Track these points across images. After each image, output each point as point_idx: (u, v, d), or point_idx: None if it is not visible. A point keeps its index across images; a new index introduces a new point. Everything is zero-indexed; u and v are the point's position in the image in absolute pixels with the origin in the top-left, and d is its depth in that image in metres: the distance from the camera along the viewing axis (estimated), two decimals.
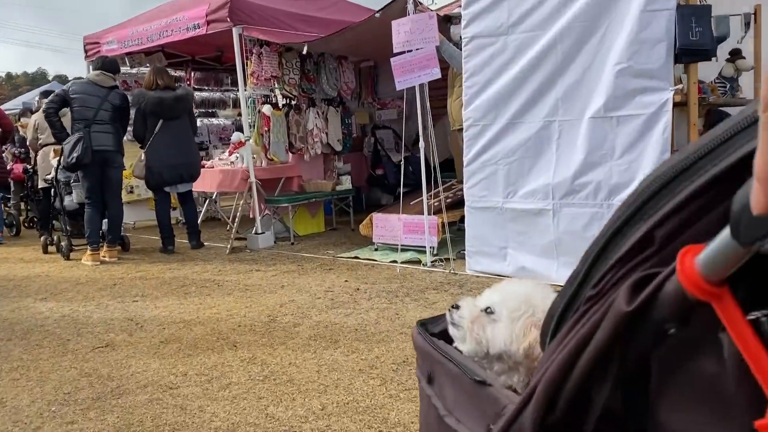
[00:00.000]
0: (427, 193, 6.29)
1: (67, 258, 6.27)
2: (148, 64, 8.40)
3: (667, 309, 0.48)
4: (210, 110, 9.44)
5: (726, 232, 0.43)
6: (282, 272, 5.22)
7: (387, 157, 8.29)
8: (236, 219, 6.48)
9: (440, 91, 6.39)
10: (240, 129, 9.38)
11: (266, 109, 6.36)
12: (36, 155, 8.16)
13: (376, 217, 5.84)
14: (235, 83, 9.49)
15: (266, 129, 6.34)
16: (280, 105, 6.63)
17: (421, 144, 4.98)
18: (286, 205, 6.46)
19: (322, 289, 4.55)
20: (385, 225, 5.76)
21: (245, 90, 6.31)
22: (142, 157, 6.24)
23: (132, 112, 6.31)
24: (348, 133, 7.48)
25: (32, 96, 16.89)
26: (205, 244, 6.72)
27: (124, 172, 6.32)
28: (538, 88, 4.29)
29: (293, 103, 6.75)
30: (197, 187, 6.81)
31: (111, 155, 6.05)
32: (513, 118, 4.42)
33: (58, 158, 6.21)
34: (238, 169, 6.45)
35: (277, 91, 6.46)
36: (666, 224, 0.50)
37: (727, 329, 0.45)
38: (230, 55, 9.26)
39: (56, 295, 4.80)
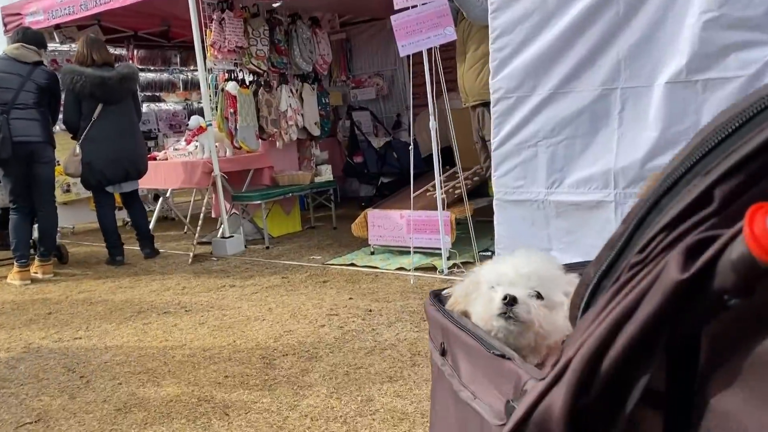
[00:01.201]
0: (427, 184, 5.39)
1: None
2: None
3: (728, 277, 0.42)
4: (156, 94, 8.22)
5: None
6: (264, 287, 4.20)
7: (366, 142, 7.30)
8: (199, 220, 5.40)
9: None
10: (195, 113, 8.25)
11: (231, 87, 5.27)
12: None
13: (373, 214, 4.87)
14: (185, 62, 8.32)
15: (232, 111, 5.26)
16: (247, 82, 5.53)
17: (433, 124, 4.03)
18: (258, 202, 5.41)
19: (323, 311, 3.57)
20: (384, 223, 4.81)
21: (204, 65, 5.20)
22: (77, 151, 5.07)
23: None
24: (326, 114, 6.45)
25: None
26: (161, 251, 5.61)
27: (56, 168, 5.14)
28: (593, 48, 3.39)
29: (262, 80, 5.67)
30: (147, 183, 5.69)
31: (38, 148, 4.86)
32: (558, 87, 3.52)
33: None
34: (198, 161, 5.35)
35: (250, 65, 5.36)
36: (729, 180, 0.44)
37: None
38: (179, 30, 8.08)
39: None
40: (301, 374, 2.68)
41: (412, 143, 4.74)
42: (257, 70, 5.52)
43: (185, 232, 6.67)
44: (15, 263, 4.84)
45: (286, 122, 5.73)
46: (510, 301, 0.97)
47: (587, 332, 0.51)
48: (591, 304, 0.56)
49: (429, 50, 4.05)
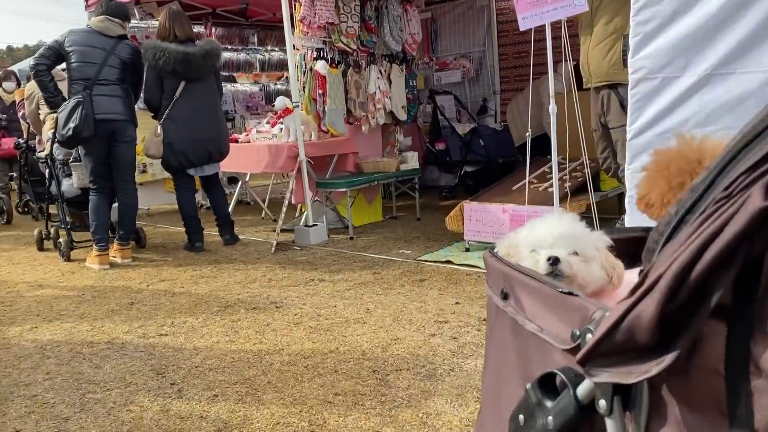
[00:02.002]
0: (522, 175, 4.91)
1: (67, 259, 4.90)
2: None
3: None
4: (233, 74, 7.98)
5: None
6: (356, 284, 3.85)
7: (450, 128, 6.86)
8: (282, 207, 5.09)
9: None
10: (272, 95, 7.98)
11: (321, 66, 4.92)
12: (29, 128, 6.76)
13: (470, 207, 4.44)
14: (262, 42, 8.05)
15: (320, 92, 4.91)
16: (336, 62, 5.16)
17: (553, 108, 3.56)
18: (344, 190, 5.06)
19: (429, 317, 3.18)
20: (483, 218, 4.37)
21: (293, 42, 4.86)
22: (159, 131, 4.82)
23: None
24: (414, 98, 6.02)
25: (26, 64, 15.43)
26: (240, 237, 5.34)
27: (137, 147, 4.91)
28: (764, 21, 2.85)
29: (351, 60, 5.29)
30: (228, 167, 5.43)
31: (120, 126, 4.64)
32: (717, 67, 2.99)
33: (53, 130, 4.81)
34: (283, 145, 5.04)
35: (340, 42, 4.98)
36: None
37: None
38: (258, 9, 7.82)
39: (51, 322, 3.44)
40: (423, 397, 2.30)
41: (554, 129, 4.24)
42: (346, 48, 5.14)
43: (263, 218, 6.41)
44: (94, 246, 4.65)
45: (374, 105, 5.35)
46: (554, 261, 1.13)
47: (677, 253, 0.62)
48: (671, 237, 0.69)
49: (553, 24, 3.57)
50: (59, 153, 4.97)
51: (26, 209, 7.49)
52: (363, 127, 5.42)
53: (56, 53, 4.60)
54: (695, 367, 0.66)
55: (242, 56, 7.84)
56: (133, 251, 4.92)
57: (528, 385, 0.89)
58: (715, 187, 0.63)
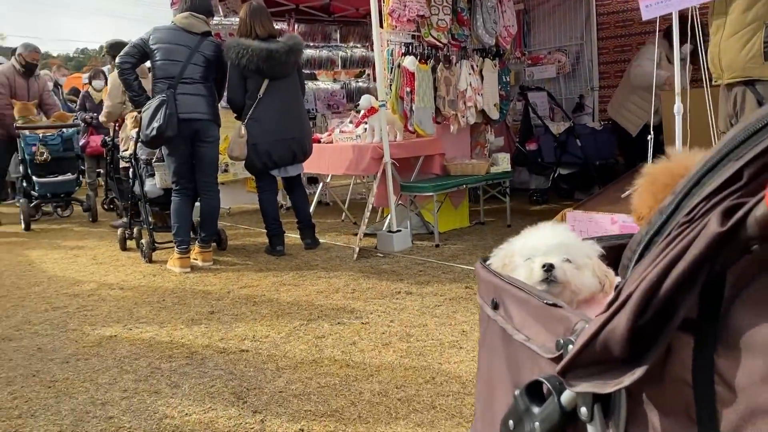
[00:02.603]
0: (626, 179, 4.43)
1: (149, 260, 4.83)
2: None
3: (754, 230, 0.60)
4: (314, 71, 7.82)
5: None
6: (447, 299, 3.54)
7: (543, 127, 6.42)
8: (365, 211, 4.84)
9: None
10: (354, 93, 7.77)
11: (409, 62, 4.62)
12: (116, 125, 6.83)
13: (573, 215, 4.03)
14: (345, 38, 7.85)
15: (408, 90, 4.62)
16: (425, 57, 4.85)
17: (677, 108, 3.12)
18: (430, 194, 4.75)
19: None
20: (588, 228, 3.96)
21: (381, 36, 4.59)
22: (242, 132, 4.66)
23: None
24: (506, 95, 5.64)
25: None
26: (321, 241, 5.13)
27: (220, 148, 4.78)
28: None
29: (441, 54, 4.97)
30: (309, 168, 5.23)
31: (204, 126, 4.52)
32: None
33: (136, 129, 4.75)
34: (368, 145, 4.78)
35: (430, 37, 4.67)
36: (754, 164, 0.61)
37: None
38: (341, 4, 7.62)
39: (130, 330, 3.31)
40: None
41: (679, 127, 3.80)
42: (437, 43, 4.83)
43: (342, 220, 6.19)
44: (175, 248, 4.55)
45: (464, 103, 5.01)
46: (549, 268, 1.19)
47: (645, 273, 0.68)
48: (643, 255, 0.75)
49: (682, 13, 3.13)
50: (142, 153, 4.91)
51: (111, 206, 7.60)
52: (451, 127, 5.10)
53: (141, 51, 4.52)
54: (667, 377, 0.71)
55: (324, 53, 7.66)
56: (213, 253, 4.79)
57: (516, 392, 0.93)
58: (680, 210, 0.70)
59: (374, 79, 8.08)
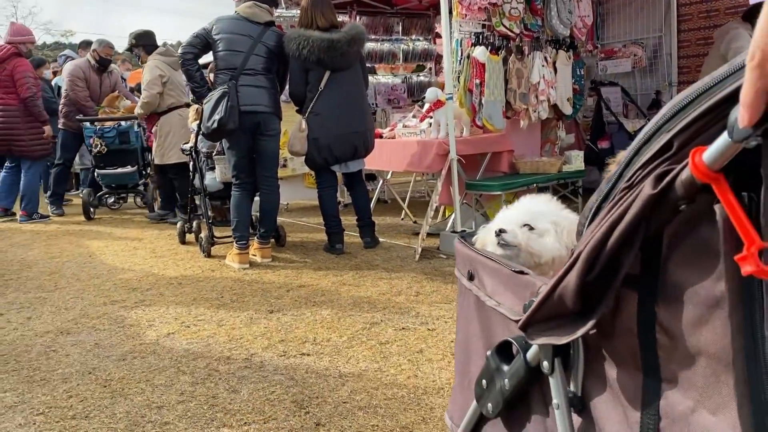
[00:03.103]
0: None
1: (208, 255, 4.75)
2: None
3: (681, 191, 0.69)
4: (375, 65, 7.64)
5: (724, 135, 0.64)
6: None
7: (617, 124, 6.06)
8: (428, 210, 4.63)
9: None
10: (415, 87, 7.55)
11: (479, 53, 4.38)
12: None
13: None
14: (407, 31, 7.64)
15: (478, 82, 4.37)
16: (497, 47, 4.58)
17: None
18: (498, 193, 4.50)
19: None
20: None
21: (450, 26, 4.35)
22: (303, 126, 4.52)
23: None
24: (580, 89, 5.32)
25: None
26: (380, 240, 4.95)
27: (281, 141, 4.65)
28: None
29: (513, 45, 4.70)
30: (370, 164, 5.04)
31: (265, 119, 4.39)
32: None
33: (198, 122, 4.67)
34: (432, 141, 4.56)
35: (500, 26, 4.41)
36: (682, 134, 0.71)
37: (721, 201, 0.66)
38: None
39: (188, 328, 3.20)
40: None
41: None
42: (509, 33, 4.56)
43: (402, 219, 5.99)
44: (234, 244, 4.44)
45: (537, 97, 4.72)
46: (499, 232, 1.28)
47: (591, 234, 0.76)
48: (594, 218, 0.82)
49: None
50: (203, 145, 4.83)
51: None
52: (521, 122, 4.82)
53: (204, 41, 4.42)
54: (617, 329, 0.80)
55: (386, 46, 7.48)
56: (272, 250, 4.67)
57: (488, 353, 1.05)
58: (622, 178, 0.78)
59: (436, 73, 7.87)
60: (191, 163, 5.03)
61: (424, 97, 4.90)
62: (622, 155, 0.80)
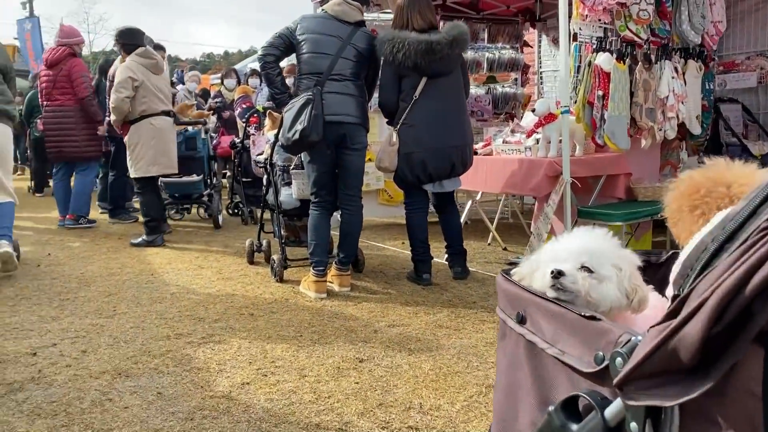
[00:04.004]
0: None
1: (280, 279, 4.26)
2: (388, 10, 6.29)
3: None
4: None
5: None
6: None
7: (740, 146, 5.30)
8: (533, 238, 4.02)
9: None
10: (499, 98, 6.96)
11: (604, 60, 3.76)
12: (246, 126, 6.43)
13: None
14: (493, 38, 7.07)
15: (600, 94, 3.75)
16: (622, 54, 3.94)
17: None
18: (619, 223, 3.84)
19: None
20: None
21: (569, 30, 3.76)
22: (394, 139, 3.99)
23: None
24: (709, 105, 4.62)
25: (242, 64, 16.09)
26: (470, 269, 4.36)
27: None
28: None
29: (640, 53, 4.06)
30: (463, 184, 4.46)
31: (351, 130, 3.89)
32: None
33: (276, 131, 4.20)
34: (541, 160, 3.97)
35: (626, 31, 3.79)
36: None
37: None
38: (490, 1, 6.86)
39: (265, 376, 2.68)
40: None
41: None
42: (635, 38, 3.93)
43: (489, 244, 5.39)
44: (311, 270, 3.94)
45: (664, 113, 4.06)
46: (557, 274, 1.12)
47: (719, 280, 0.65)
48: (710, 264, 0.74)
49: None
50: (279, 158, 4.36)
51: (236, 211, 7.25)
52: (643, 141, 4.16)
53: (286, 42, 3.96)
54: (732, 389, 0.68)
55: (469, 54, 6.90)
56: (351, 277, 4.14)
57: (551, 408, 0.92)
58: (758, 216, 0.69)
59: (522, 84, 7.25)
60: (265, 176, 4.57)
61: (511, 110, 4.30)
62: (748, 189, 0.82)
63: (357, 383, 2.60)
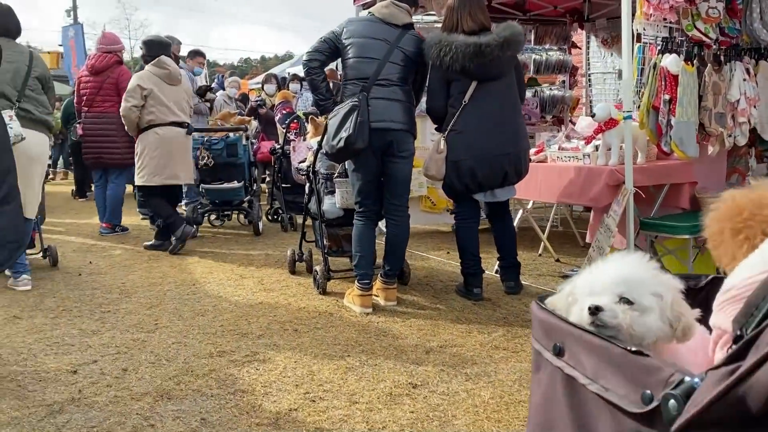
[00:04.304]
0: None
1: (323, 291, 4.11)
2: (432, 12, 6.11)
3: None
4: None
5: None
6: None
7: None
8: (593, 251, 3.78)
9: None
10: (547, 102, 6.71)
11: (671, 62, 3.50)
12: (286, 133, 6.33)
13: None
14: (540, 40, 6.84)
15: (667, 98, 3.51)
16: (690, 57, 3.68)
17: None
18: (686, 236, 3.58)
19: None
20: None
21: (632, 30, 3.52)
22: (441, 146, 3.81)
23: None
24: None
25: (279, 69, 16.06)
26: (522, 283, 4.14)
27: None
28: None
29: (709, 54, 3.79)
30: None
31: (398, 137, 3.72)
32: None
33: (319, 138, 4.05)
34: (602, 169, 3.73)
35: (694, 30, 3.53)
36: None
37: None
38: (537, 2, 6.62)
39: (314, 402, 2.52)
40: None
41: None
42: (703, 38, 3.66)
43: (539, 254, 5.16)
44: (356, 283, 3.78)
45: (734, 118, 3.78)
46: (595, 311, 1.05)
47: None
48: None
49: None
50: (322, 166, 4.22)
51: (275, 217, 7.15)
52: (710, 148, 3.89)
53: (332, 47, 3.81)
54: None
55: None
56: (397, 291, 3.97)
57: None
58: None
59: (570, 87, 6.99)
60: (307, 184, 4.43)
61: (559, 114, 4.07)
62: None
63: (412, 412, 2.42)
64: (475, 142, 3.73)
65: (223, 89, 10.15)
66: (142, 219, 6.94)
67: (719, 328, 1.07)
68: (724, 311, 1.04)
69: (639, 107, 3.61)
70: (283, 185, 6.79)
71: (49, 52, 12.93)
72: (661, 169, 3.86)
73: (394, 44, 3.72)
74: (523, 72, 4.06)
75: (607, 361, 0.93)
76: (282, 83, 9.20)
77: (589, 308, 1.05)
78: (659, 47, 3.57)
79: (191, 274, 4.76)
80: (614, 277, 1.09)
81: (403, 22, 3.78)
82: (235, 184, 6.27)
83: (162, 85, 5.49)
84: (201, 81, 9.35)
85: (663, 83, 3.49)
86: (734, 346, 0.70)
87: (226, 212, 6.69)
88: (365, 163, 3.73)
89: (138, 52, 6.67)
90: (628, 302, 1.06)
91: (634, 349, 0.89)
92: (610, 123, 3.66)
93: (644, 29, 3.54)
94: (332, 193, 4.20)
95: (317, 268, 4.18)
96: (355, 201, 3.85)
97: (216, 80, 12.84)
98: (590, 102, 7.24)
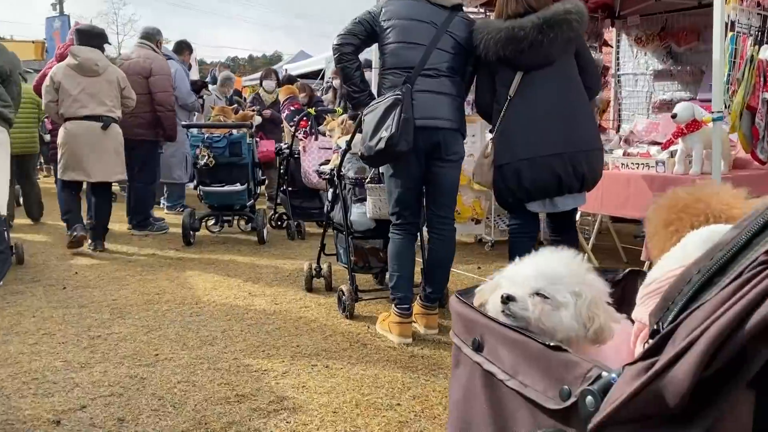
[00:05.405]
0: None
1: (350, 315, 3.54)
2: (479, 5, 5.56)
3: None
4: None
5: None
6: None
7: None
8: (644, 265, 3.25)
9: None
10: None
11: None
12: (295, 131, 5.78)
13: None
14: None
15: (767, 96, 3.00)
16: None
17: None
18: None
19: None
20: None
21: (722, 20, 2.99)
22: (488, 149, 3.24)
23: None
24: None
25: (275, 68, 15.48)
26: None
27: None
28: None
29: None
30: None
31: (446, 137, 3.16)
32: None
33: (348, 137, 3.49)
34: (682, 178, 3.20)
35: None
36: None
37: None
38: None
39: None
40: None
41: None
42: None
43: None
44: (393, 307, 3.22)
45: None
46: (506, 299, 1.05)
47: (712, 318, 0.58)
48: (697, 298, 0.65)
49: None
50: (351, 169, 3.66)
51: (279, 223, 6.56)
52: None
53: (368, 30, 3.24)
54: None
55: None
56: (438, 317, 3.42)
57: None
58: (752, 248, 0.61)
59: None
60: (330, 191, 3.87)
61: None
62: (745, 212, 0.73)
63: None
64: (520, 142, 3.13)
65: (215, 84, 9.59)
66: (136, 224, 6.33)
67: (640, 321, 1.05)
68: (645, 305, 1.02)
69: (730, 108, 3.08)
70: (290, 189, 6.23)
71: (33, 42, 12.20)
72: (745, 179, 3.34)
73: (442, 28, 3.16)
74: (592, 57, 3.45)
75: (525, 356, 0.91)
76: (286, 80, 8.64)
77: (501, 297, 1.05)
78: (753, 38, 3.06)
79: (192, 290, 4.17)
80: (535, 271, 1.08)
81: (451, 3, 3.22)
82: (238, 186, 5.67)
83: (73, 77, 5.17)
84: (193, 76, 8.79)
85: (762, 79, 2.98)
86: (650, 341, 0.67)
87: (226, 217, 6.08)
88: (407, 167, 3.16)
89: (126, 48, 6.16)
90: (544, 297, 1.05)
91: (552, 344, 0.87)
92: (693, 125, 3.13)
93: (738, 18, 3.02)
94: (361, 201, 3.64)
95: (343, 288, 3.61)
96: (392, 212, 3.29)
97: (210, 75, 12.26)
98: (619, 104, 6.74)
